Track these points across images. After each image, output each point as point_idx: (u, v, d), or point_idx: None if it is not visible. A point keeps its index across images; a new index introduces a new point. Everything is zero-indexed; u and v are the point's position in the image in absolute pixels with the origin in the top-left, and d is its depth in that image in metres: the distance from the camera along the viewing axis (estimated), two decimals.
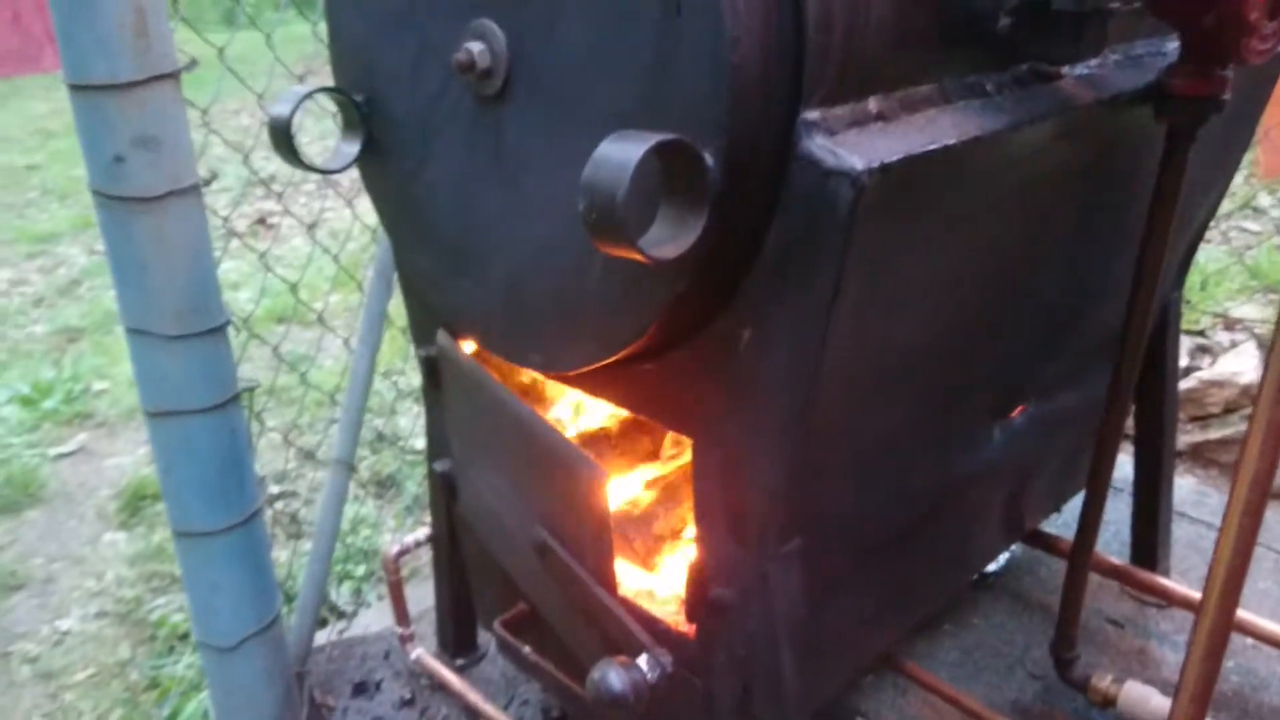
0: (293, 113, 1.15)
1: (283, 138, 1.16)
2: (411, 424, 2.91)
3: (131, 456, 2.96)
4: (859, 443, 1.10)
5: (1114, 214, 1.25)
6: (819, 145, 0.83)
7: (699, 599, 1.08)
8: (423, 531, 1.69)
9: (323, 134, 5.96)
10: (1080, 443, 1.58)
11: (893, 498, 1.21)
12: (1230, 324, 2.45)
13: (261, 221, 5.81)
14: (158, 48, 1.13)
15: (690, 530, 1.26)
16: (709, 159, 0.81)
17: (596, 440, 1.34)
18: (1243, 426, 2.23)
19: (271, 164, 5.80)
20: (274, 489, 2.63)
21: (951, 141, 0.89)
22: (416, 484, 2.61)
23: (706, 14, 0.79)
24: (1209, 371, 2.29)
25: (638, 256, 0.78)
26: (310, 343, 3.47)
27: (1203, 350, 2.40)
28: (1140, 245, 1.22)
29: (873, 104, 0.89)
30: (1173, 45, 1.25)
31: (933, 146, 0.87)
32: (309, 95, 1.16)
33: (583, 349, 1.04)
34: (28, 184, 6.30)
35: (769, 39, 0.81)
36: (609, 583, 1.04)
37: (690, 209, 0.81)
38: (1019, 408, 1.39)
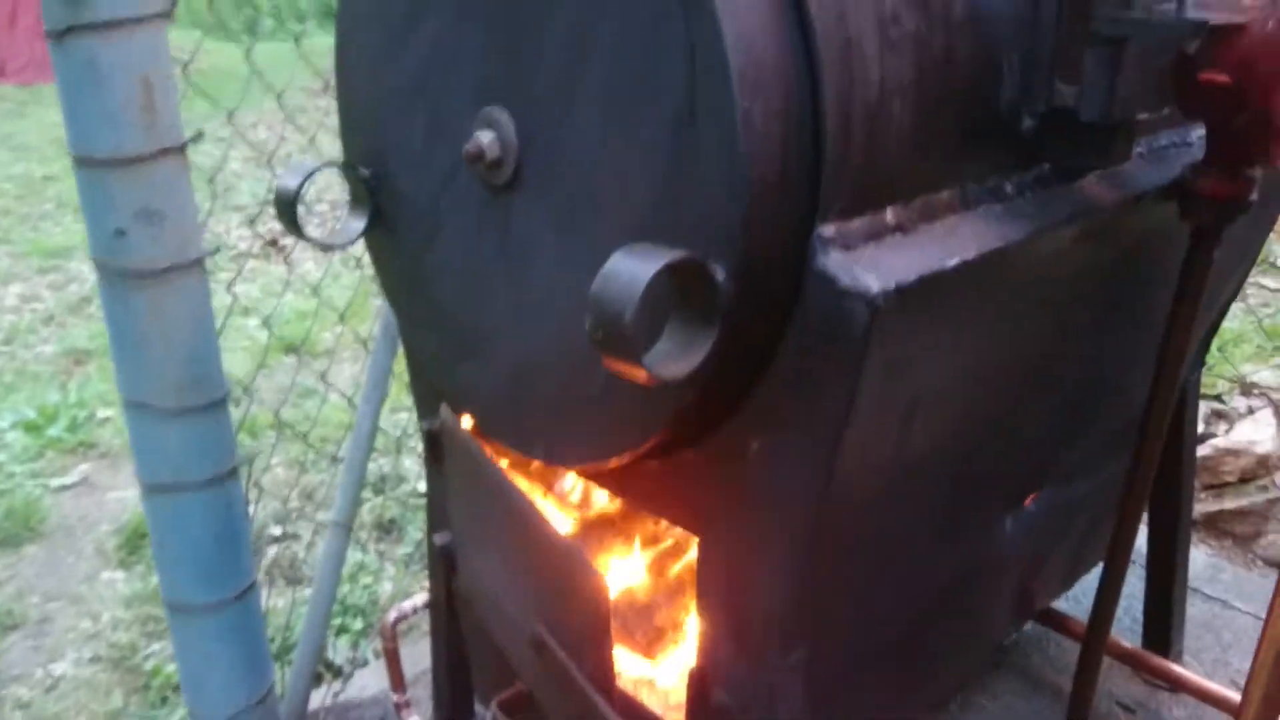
0: (300, 187, 1.13)
1: (288, 210, 1.14)
2: (417, 465, 2.88)
3: (133, 490, 2.94)
4: (868, 547, 1.07)
5: (1135, 308, 1.22)
6: (835, 262, 0.81)
7: (700, 706, 1.05)
8: (421, 597, 1.66)
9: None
10: (1093, 525, 1.55)
11: (902, 598, 1.18)
12: (1247, 389, 2.41)
13: (274, 243, 5.81)
14: (164, 121, 1.12)
15: (692, 622, 1.22)
16: (721, 274, 0.78)
17: (599, 524, 1.31)
18: (1259, 497, 2.20)
19: None
20: (275, 530, 2.61)
21: (970, 256, 0.86)
22: (419, 529, 2.58)
23: (722, 125, 0.77)
24: (1225, 439, 2.25)
25: (642, 378, 0.75)
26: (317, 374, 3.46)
27: (1219, 416, 2.36)
28: (1162, 340, 1.19)
29: (890, 214, 0.87)
30: (1197, 134, 1.23)
31: (950, 264, 0.84)
32: (317, 170, 1.14)
33: (584, 448, 1.02)
34: (44, 195, 6.30)
35: (786, 151, 0.79)
36: (607, 689, 1.01)
37: (700, 326, 0.78)
38: (1032, 496, 1.36)
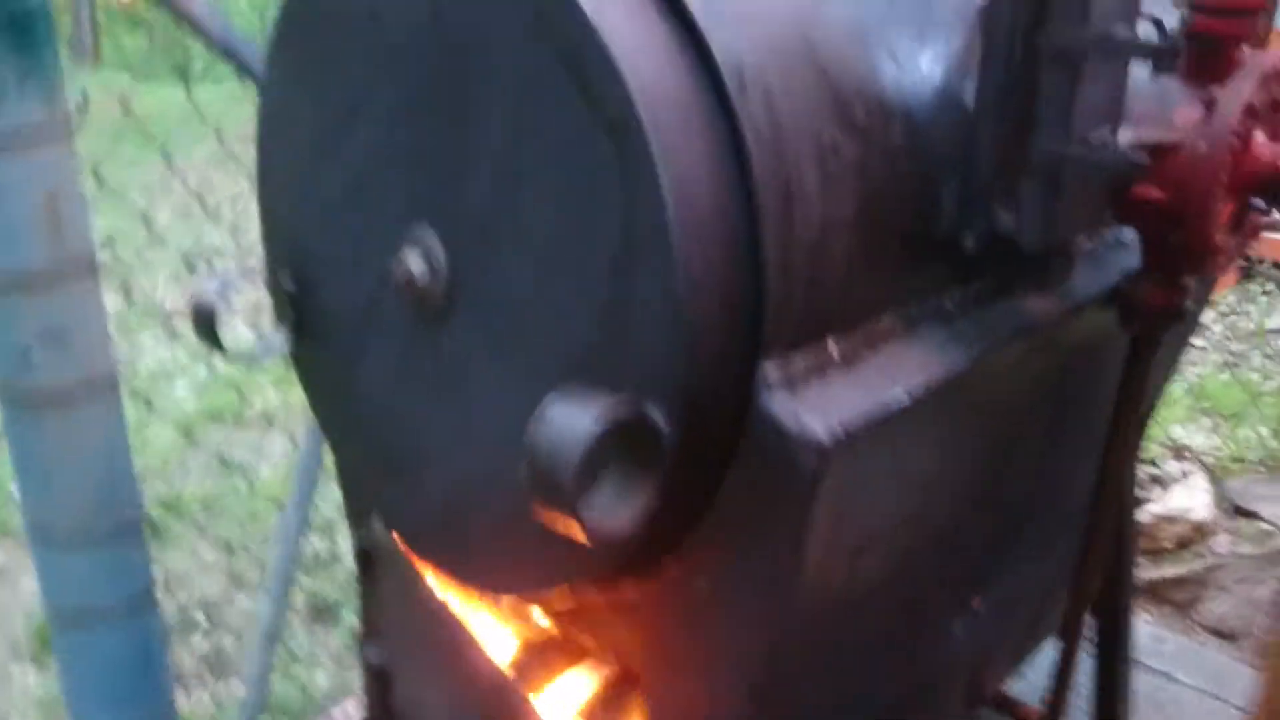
0: (220, 298, 1.07)
1: (206, 325, 1.08)
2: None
3: None
4: (817, 670, 1.03)
5: (1078, 410, 1.22)
6: (780, 405, 0.78)
7: None
8: (352, 704, 1.58)
9: None
10: (1039, 608, 1.54)
11: (855, 712, 1.15)
12: (1179, 453, 2.45)
13: None
14: (71, 234, 1.06)
15: None
16: (663, 424, 0.75)
17: (545, 644, 1.26)
18: (1197, 564, 2.22)
19: (215, 234, 5.66)
20: (200, 618, 2.49)
21: (917, 390, 0.84)
22: (355, 612, 2.49)
23: (660, 275, 0.74)
24: (1161, 506, 2.28)
25: (579, 535, 0.71)
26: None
27: (1154, 480, 2.39)
28: (1106, 440, 1.19)
29: (833, 346, 0.84)
30: (1132, 232, 1.24)
31: (896, 401, 0.82)
32: (238, 280, 1.09)
33: (520, 578, 0.97)
34: None
35: (727, 295, 0.77)
36: None
37: (640, 476, 0.75)
38: (978, 597, 1.34)
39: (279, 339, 1.14)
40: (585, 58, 0.74)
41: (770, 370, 0.79)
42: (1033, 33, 0.82)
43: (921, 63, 0.91)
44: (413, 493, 1.08)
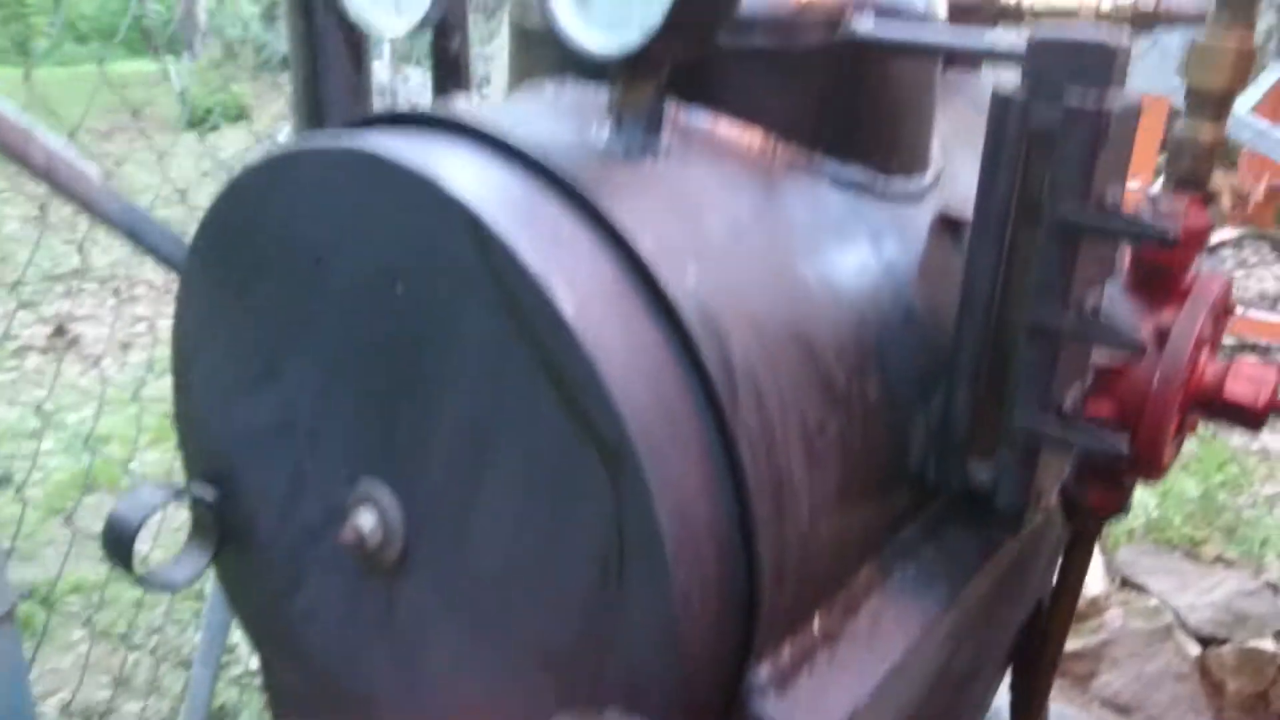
0: (140, 525, 0.98)
1: (123, 551, 0.99)
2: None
3: None
4: None
5: (1018, 584, 1.24)
6: (775, 710, 0.75)
7: None
8: None
9: None
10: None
11: None
12: None
13: (59, 332, 5.25)
14: None
15: None
16: None
17: None
18: (1093, 639, 2.32)
19: (74, 257, 5.24)
20: None
21: (900, 656, 0.83)
22: (255, 715, 2.37)
23: (653, 598, 0.70)
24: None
25: None
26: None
27: None
28: (1045, 620, 1.21)
29: (817, 623, 0.82)
30: None
31: (883, 678, 0.81)
32: (162, 505, 0.99)
33: None
34: None
35: (722, 602, 0.73)
36: None
37: None
38: None
39: (198, 558, 1.05)
40: (570, 371, 0.69)
41: (761, 673, 0.76)
42: (1009, 309, 0.82)
43: (892, 313, 0.90)
44: None
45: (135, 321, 5.34)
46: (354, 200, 0.79)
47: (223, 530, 1.04)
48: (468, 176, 0.75)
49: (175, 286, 0.99)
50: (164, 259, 1.08)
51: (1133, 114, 0.79)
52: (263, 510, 1.00)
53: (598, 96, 0.90)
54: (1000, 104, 0.78)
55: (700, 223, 0.80)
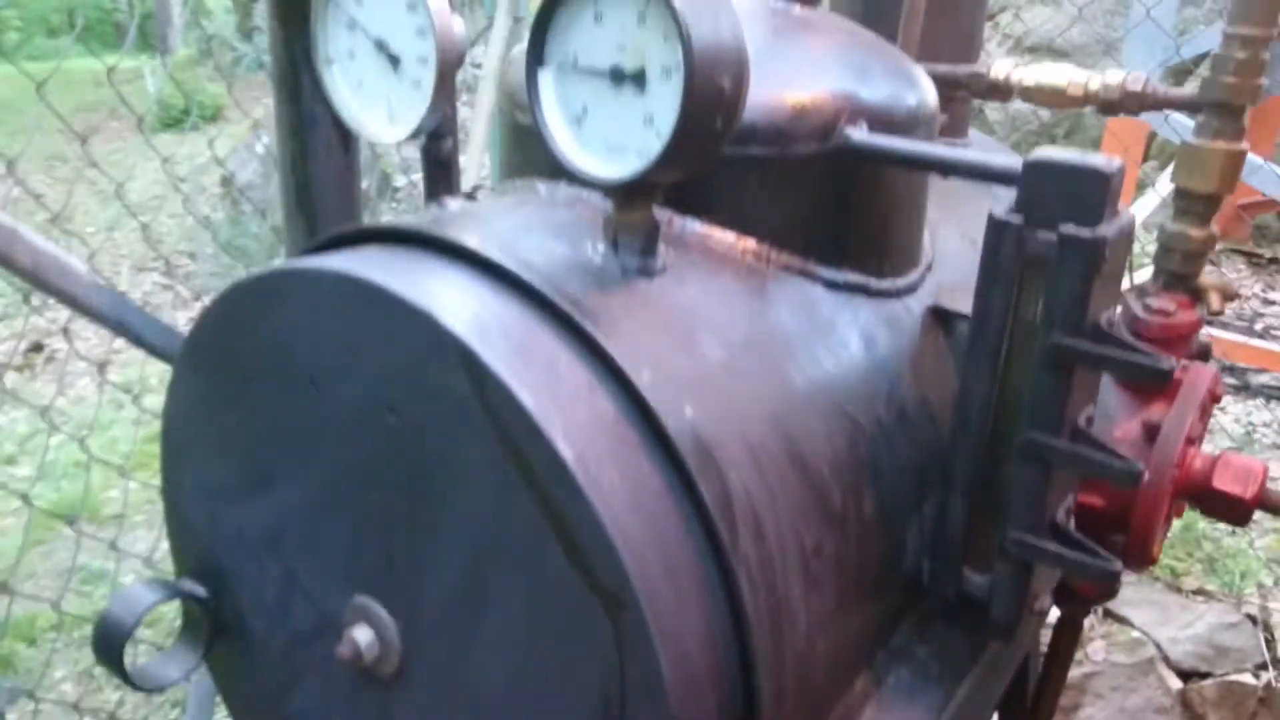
0: (133, 628, 0.96)
1: (114, 654, 0.97)
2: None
3: None
4: None
5: (1010, 663, 1.25)
6: None
7: None
8: None
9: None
10: None
11: None
12: None
13: (37, 348, 5.18)
14: None
15: None
16: None
17: None
18: (1074, 671, 2.34)
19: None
20: None
21: None
22: None
23: None
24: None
25: None
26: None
27: None
28: (1033, 700, 1.22)
29: None
30: None
31: None
32: (154, 604, 0.98)
33: None
34: None
35: None
36: None
37: None
38: None
39: (190, 654, 1.04)
40: (570, 514, 0.69)
41: None
42: (1003, 425, 0.82)
43: (886, 417, 0.90)
44: None
45: (115, 337, 5.29)
46: (347, 326, 0.78)
47: (215, 627, 1.03)
48: (463, 306, 0.74)
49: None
50: (153, 349, 1.07)
51: (1127, 236, 0.79)
52: (255, 612, 0.99)
53: (591, 200, 0.90)
54: (996, 228, 0.79)
55: (696, 347, 0.79)
